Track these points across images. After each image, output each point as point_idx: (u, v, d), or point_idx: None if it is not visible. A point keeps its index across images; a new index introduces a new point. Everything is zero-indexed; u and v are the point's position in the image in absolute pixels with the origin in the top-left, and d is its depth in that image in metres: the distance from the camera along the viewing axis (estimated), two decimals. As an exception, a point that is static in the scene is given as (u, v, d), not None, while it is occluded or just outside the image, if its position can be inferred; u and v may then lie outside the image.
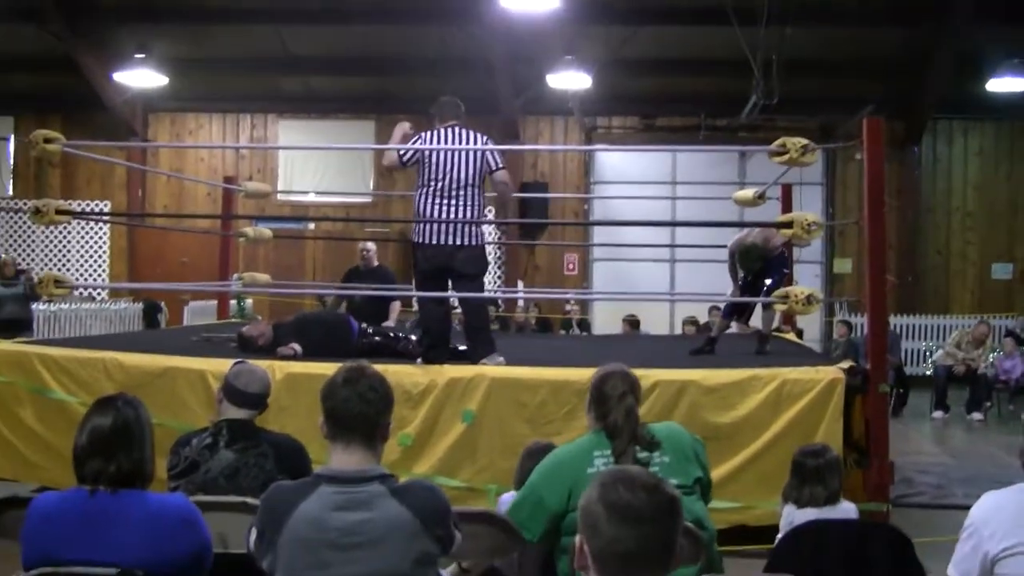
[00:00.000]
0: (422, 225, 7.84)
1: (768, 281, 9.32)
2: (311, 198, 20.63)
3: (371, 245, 12.32)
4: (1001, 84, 17.86)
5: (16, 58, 19.56)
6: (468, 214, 7.81)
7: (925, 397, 15.85)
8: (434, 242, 7.82)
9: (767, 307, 9.29)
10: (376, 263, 12.30)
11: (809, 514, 5.08)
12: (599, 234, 18.02)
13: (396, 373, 7.28)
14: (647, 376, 6.99)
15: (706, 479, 4.52)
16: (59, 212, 8.07)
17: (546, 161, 20.73)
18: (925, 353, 17.66)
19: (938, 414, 15.37)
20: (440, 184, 7.78)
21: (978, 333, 16.25)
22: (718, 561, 4.44)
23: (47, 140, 8.02)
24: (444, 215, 7.76)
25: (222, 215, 13.05)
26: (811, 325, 18.18)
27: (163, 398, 7.24)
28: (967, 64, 18.10)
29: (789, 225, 7.51)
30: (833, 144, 13.93)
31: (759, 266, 9.49)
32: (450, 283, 8.05)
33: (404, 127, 8.14)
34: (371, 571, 3.32)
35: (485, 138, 8.06)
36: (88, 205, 20.46)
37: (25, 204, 17.63)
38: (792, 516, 5.16)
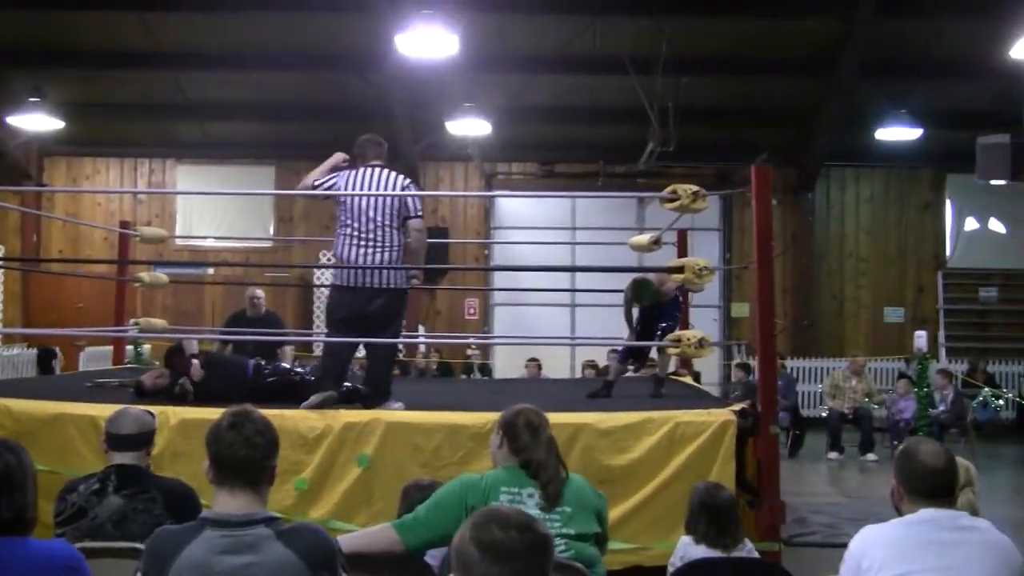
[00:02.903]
0: (340, 269, 7.74)
1: (663, 325, 9.45)
2: (210, 243, 20.51)
3: (260, 292, 12.24)
4: (889, 133, 18.34)
5: (-94, 100, 19.22)
6: (386, 257, 7.63)
7: (821, 438, 16.10)
8: (349, 285, 7.71)
9: (661, 351, 9.40)
10: (264, 310, 12.21)
11: (702, 551, 5.16)
12: (500, 279, 18.14)
13: (291, 418, 7.26)
14: (541, 419, 7.06)
15: (603, 535, 4.59)
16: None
17: (447, 206, 20.83)
18: (821, 395, 17.96)
19: (833, 455, 15.63)
20: (357, 225, 7.64)
21: (855, 366, 16.62)
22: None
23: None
24: (361, 258, 7.60)
25: (118, 260, 12.86)
26: (710, 368, 18.40)
27: (54, 444, 7.10)
28: (857, 114, 18.57)
29: (680, 270, 7.61)
30: (724, 191, 14.15)
31: (651, 301, 9.61)
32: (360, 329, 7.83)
33: (338, 157, 7.96)
34: (257, 614, 3.31)
35: (407, 181, 7.85)
36: (-20, 250, 20.13)
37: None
38: (686, 550, 5.25)
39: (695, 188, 7.65)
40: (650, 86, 16.26)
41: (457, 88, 17.51)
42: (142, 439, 4.77)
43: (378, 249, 7.63)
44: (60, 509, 4.58)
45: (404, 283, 7.91)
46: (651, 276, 9.66)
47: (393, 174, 7.84)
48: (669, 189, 7.72)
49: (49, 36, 17.70)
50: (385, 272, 7.67)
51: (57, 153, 20.91)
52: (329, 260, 19.93)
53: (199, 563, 3.30)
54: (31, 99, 17.70)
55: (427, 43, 13.79)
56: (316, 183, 7.84)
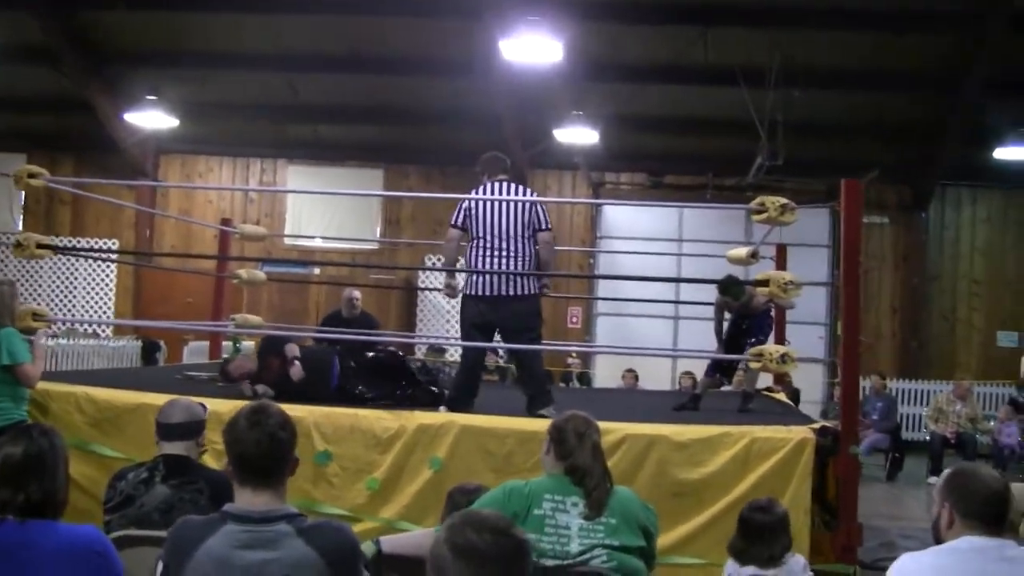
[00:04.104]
0: (473, 276, 7.90)
1: (751, 340, 9.31)
2: (317, 243, 20.73)
3: (357, 293, 12.31)
4: (1009, 152, 17.85)
5: (31, 98, 19.83)
6: (519, 267, 7.83)
7: (923, 463, 15.72)
8: (485, 294, 7.86)
9: (749, 365, 9.26)
10: (360, 311, 12.28)
11: (749, 572, 5.02)
12: (603, 288, 17.99)
13: (366, 417, 7.31)
14: (617, 429, 6.99)
15: (649, 551, 4.49)
16: (40, 247, 8.11)
17: (553, 214, 20.69)
18: (923, 418, 17.55)
19: (933, 480, 15.17)
20: (489, 238, 7.83)
21: (960, 390, 16.22)
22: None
23: (31, 175, 8.07)
24: (497, 265, 7.80)
25: (222, 256, 13.06)
26: (813, 386, 18.13)
27: (133, 433, 7.25)
28: (976, 132, 18.10)
29: (766, 283, 7.47)
30: (819, 204, 13.85)
31: (738, 300, 9.52)
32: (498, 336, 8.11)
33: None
34: (274, 611, 3.28)
35: (534, 193, 8.17)
36: (97, 243, 20.58)
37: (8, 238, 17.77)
38: (734, 570, 5.12)
39: (784, 201, 7.49)
40: (761, 98, 16.04)
41: (566, 96, 17.48)
42: (191, 429, 4.80)
43: (511, 260, 7.83)
44: (109, 496, 4.63)
45: (538, 290, 8.12)
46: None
47: (521, 188, 8.18)
48: (757, 201, 7.58)
49: (167, 37, 18.13)
50: (521, 280, 7.85)
51: (172, 151, 21.34)
52: (442, 264, 20.13)
53: (219, 556, 3.30)
54: (149, 97, 18.10)
55: (531, 49, 13.80)
56: (455, 222, 8.05)
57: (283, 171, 21.43)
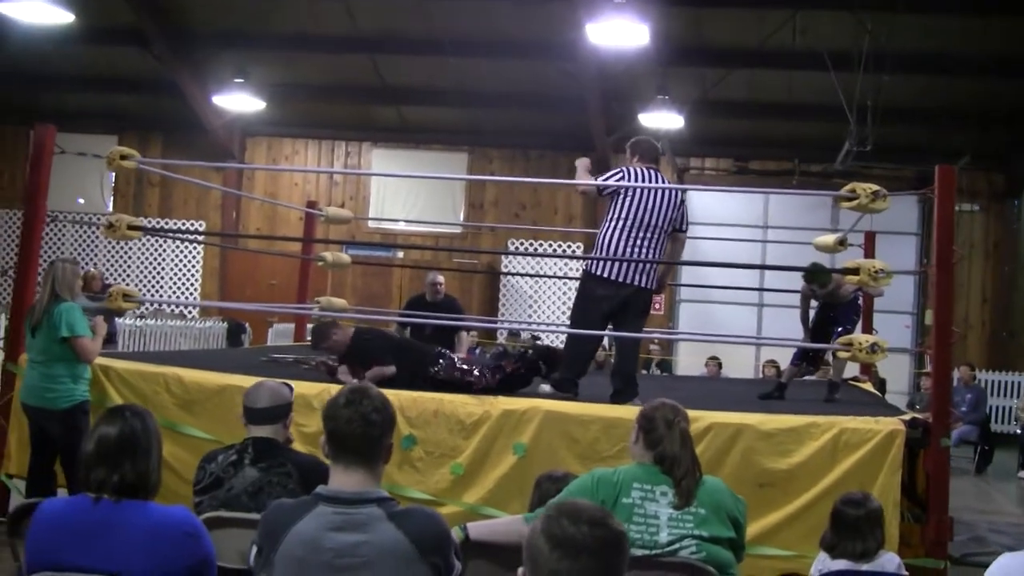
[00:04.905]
0: (606, 260, 7.76)
1: (839, 329, 9.18)
2: (401, 227, 20.82)
3: (440, 277, 12.28)
4: (1104, 139, 17.44)
5: (121, 79, 20.14)
6: (656, 257, 7.75)
7: (1013, 456, 15.44)
8: (615, 279, 7.74)
9: (836, 354, 9.14)
10: (443, 295, 12.26)
11: (840, 565, 4.95)
12: (686, 275, 17.88)
13: (451, 402, 7.29)
14: (703, 418, 6.91)
15: (739, 542, 4.44)
16: (131, 228, 8.19)
17: (636, 199, 20.61)
18: (1014, 410, 17.23)
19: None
20: (637, 224, 7.68)
21: None
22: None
23: (123, 157, 8.17)
24: (633, 254, 7.67)
25: (306, 238, 13.14)
26: (900, 377, 17.88)
27: (219, 414, 7.31)
28: (1070, 118, 17.73)
29: (856, 272, 7.35)
30: (910, 191, 13.56)
31: (824, 286, 9.43)
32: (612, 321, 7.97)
33: (586, 162, 8.24)
34: (364, 594, 3.29)
35: (683, 193, 8.07)
36: (184, 224, 20.84)
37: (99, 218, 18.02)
38: (824, 564, 5.05)
39: (875, 188, 7.36)
40: (849, 83, 15.80)
41: (650, 80, 17.37)
42: (278, 412, 4.81)
43: (651, 252, 7.72)
44: (199, 478, 4.65)
45: (659, 286, 8.10)
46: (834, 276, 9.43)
47: (665, 179, 8.05)
48: (848, 188, 7.46)
49: (254, 19, 18.29)
50: (650, 270, 7.75)
51: (259, 133, 21.56)
52: (525, 248, 20.09)
53: (310, 538, 3.31)
54: (236, 80, 18.28)
55: (617, 33, 13.70)
56: (601, 186, 7.89)
57: (368, 154, 21.53)
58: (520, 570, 2.36)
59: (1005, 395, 18.49)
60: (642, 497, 4.27)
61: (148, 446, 3.61)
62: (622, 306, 7.77)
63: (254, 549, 3.45)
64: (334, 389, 7.13)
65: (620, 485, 4.32)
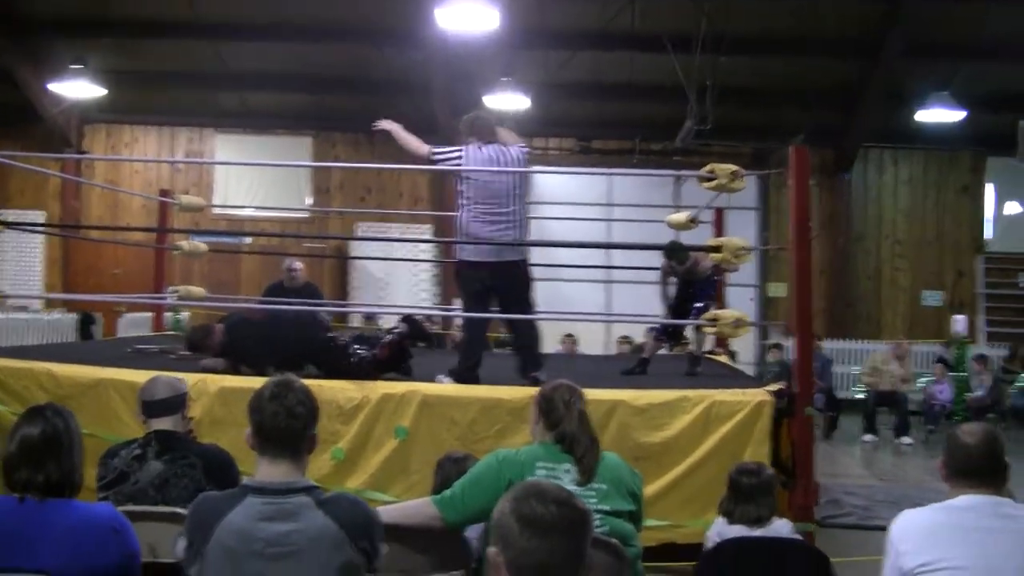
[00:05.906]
0: (472, 244, 7.77)
1: (698, 304, 9.46)
2: (247, 213, 20.57)
3: (298, 264, 12.25)
4: (929, 115, 18.18)
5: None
6: (518, 234, 7.77)
7: (856, 421, 16.06)
8: (488, 260, 7.74)
9: (697, 329, 9.42)
10: (302, 281, 12.21)
11: (736, 531, 5.18)
12: (535, 255, 18.04)
13: (330, 388, 7.31)
14: (577, 395, 7.07)
15: (638, 514, 4.61)
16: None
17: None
18: (856, 377, 17.90)
19: (868, 438, 15.57)
20: (486, 199, 7.68)
21: (900, 351, 16.50)
22: (642, 577, 4.53)
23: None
24: (494, 231, 7.68)
25: (158, 228, 12.95)
26: (745, 348, 18.36)
27: (95, 409, 7.20)
28: (896, 95, 18.44)
29: (719, 249, 7.60)
30: (762, 171, 14.02)
31: (683, 262, 9.68)
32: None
33: (397, 125, 8.08)
34: (297, 581, 3.35)
35: (525, 150, 8.04)
36: (21, 215, 20.22)
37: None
38: (721, 530, 5.27)
39: (734, 168, 7.64)
40: (688, 64, 16.16)
41: (496, 63, 17.49)
42: (176, 403, 4.84)
43: (510, 226, 7.73)
44: (103, 474, 4.64)
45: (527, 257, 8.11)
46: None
47: (514, 149, 7.95)
48: (707, 168, 7.70)
49: (92, 5, 17.84)
50: (518, 247, 7.81)
51: (97, 120, 21.02)
52: (374, 232, 20.04)
53: (241, 529, 3.36)
54: (73, 67, 17.80)
55: (467, 17, 13.75)
56: (436, 156, 7.85)
57: (211, 140, 21.18)
58: (491, 549, 2.46)
59: (846, 363, 19.20)
60: (546, 475, 4.39)
61: (71, 445, 3.62)
62: (503, 284, 7.85)
63: (182, 542, 3.48)
64: (209, 379, 7.24)
65: (524, 465, 4.44)
